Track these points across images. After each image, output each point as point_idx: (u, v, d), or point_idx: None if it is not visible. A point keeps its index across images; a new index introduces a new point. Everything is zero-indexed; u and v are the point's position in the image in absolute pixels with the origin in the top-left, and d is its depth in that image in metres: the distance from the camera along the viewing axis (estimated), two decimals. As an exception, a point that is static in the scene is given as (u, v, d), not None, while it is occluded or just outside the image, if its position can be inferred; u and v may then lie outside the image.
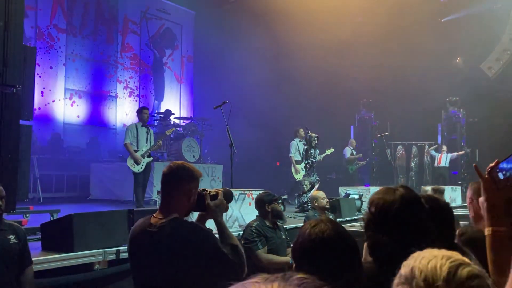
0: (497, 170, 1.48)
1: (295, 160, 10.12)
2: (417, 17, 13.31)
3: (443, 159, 13.32)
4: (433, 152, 13.73)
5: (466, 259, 0.97)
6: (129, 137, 8.26)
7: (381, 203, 1.75)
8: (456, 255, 0.97)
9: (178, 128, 11.69)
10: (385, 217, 1.70)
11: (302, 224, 6.15)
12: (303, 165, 10.01)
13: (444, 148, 13.50)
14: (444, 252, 0.98)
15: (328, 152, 10.16)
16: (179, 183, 2.26)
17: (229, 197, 2.44)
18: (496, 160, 1.50)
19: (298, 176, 9.97)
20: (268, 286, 0.59)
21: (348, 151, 12.60)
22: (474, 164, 1.66)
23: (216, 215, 2.32)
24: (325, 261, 1.48)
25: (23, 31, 5.25)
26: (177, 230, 2.18)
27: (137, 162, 8.14)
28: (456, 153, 13.53)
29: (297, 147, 10.23)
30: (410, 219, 1.69)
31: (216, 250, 2.18)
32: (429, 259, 0.97)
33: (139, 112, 8.65)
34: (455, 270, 0.93)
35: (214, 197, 2.31)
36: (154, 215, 2.27)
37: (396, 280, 0.99)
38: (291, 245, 4.94)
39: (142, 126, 8.45)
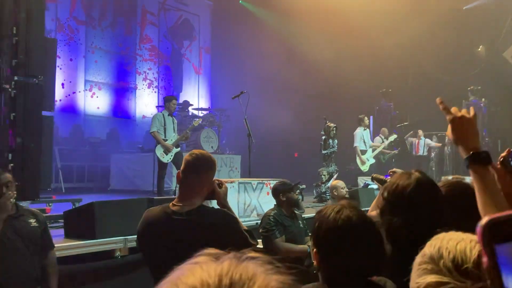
0: (510, 159, 1.46)
1: (360, 150, 9.76)
2: (438, 5, 13.06)
3: (421, 146, 12.51)
4: (409, 139, 12.76)
5: None
6: (156, 125, 8.03)
7: (395, 187, 1.74)
8: None
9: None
10: (400, 200, 1.70)
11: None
12: (369, 154, 9.67)
13: (421, 133, 12.49)
14: (470, 235, 0.94)
15: (391, 139, 9.97)
16: (203, 172, 2.33)
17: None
18: (508, 148, 1.48)
19: (364, 168, 9.58)
20: (219, 266, 0.56)
21: (378, 140, 12.38)
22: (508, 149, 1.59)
23: (225, 201, 2.42)
24: (353, 248, 1.47)
25: (44, 22, 5.32)
26: (208, 216, 2.25)
27: (166, 152, 7.94)
28: (434, 143, 12.51)
29: (362, 136, 9.88)
30: (424, 202, 1.68)
31: (242, 234, 2.29)
32: (457, 241, 0.94)
33: (167, 101, 8.36)
34: None
35: (219, 185, 2.42)
36: (173, 203, 2.29)
37: (419, 259, 0.97)
38: (309, 233, 4.93)
39: (168, 115, 8.20)
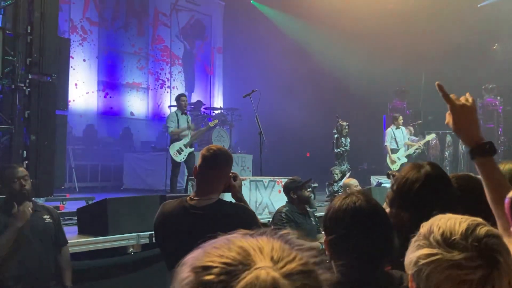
0: None
1: (391, 149, 9.57)
2: (452, 2, 12.91)
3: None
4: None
5: (486, 223, 0.98)
6: (171, 125, 8.07)
7: (404, 181, 1.72)
8: (477, 219, 0.97)
9: (209, 119, 11.77)
10: (408, 195, 1.67)
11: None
12: (401, 153, 9.43)
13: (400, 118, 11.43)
14: (464, 216, 0.99)
15: (429, 138, 9.80)
16: (222, 167, 2.35)
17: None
18: None
19: (394, 167, 9.38)
20: (259, 238, 0.60)
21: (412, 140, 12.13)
22: None
23: (240, 194, 2.45)
24: (357, 231, 1.46)
25: (58, 22, 5.38)
26: (226, 211, 2.26)
27: (180, 151, 7.94)
28: (414, 137, 11.60)
29: (393, 135, 9.67)
30: (432, 197, 1.64)
31: (260, 228, 2.25)
32: (448, 219, 0.99)
33: (177, 99, 8.41)
34: (473, 228, 0.94)
35: (234, 178, 2.44)
36: (190, 197, 2.30)
37: (414, 238, 1.02)
38: (322, 231, 4.90)
39: (182, 114, 8.20)
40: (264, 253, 0.56)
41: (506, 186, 1.30)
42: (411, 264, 0.98)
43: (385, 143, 9.68)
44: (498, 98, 13.22)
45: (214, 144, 9.68)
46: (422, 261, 0.95)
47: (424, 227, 1.00)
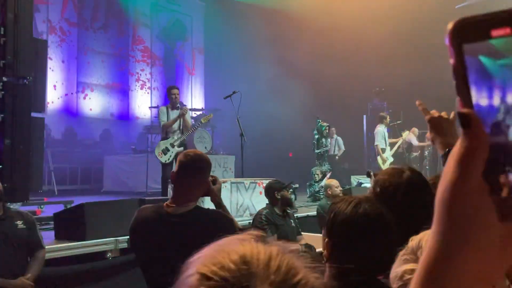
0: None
1: (381, 149, 9.54)
2: (430, 3, 13.09)
3: (332, 146, 11.64)
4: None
5: None
6: (163, 117, 7.21)
7: (387, 185, 1.73)
8: None
9: (205, 112, 11.57)
10: (390, 199, 1.67)
11: (315, 213, 6.18)
12: (388, 152, 9.42)
13: (334, 131, 11.64)
14: None
15: (404, 135, 9.84)
16: (198, 173, 2.28)
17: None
18: None
19: (385, 166, 9.19)
20: (268, 247, 0.57)
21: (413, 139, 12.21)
22: None
23: (219, 198, 2.40)
24: (367, 240, 1.44)
25: (33, 23, 5.29)
26: (203, 219, 2.21)
27: (165, 151, 7.11)
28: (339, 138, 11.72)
29: (383, 134, 9.66)
30: (415, 204, 1.66)
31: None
32: None
33: (167, 92, 7.48)
34: None
35: (214, 182, 2.39)
36: (167, 203, 2.25)
37: (402, 252, 0.99)
38: (301, 233, 4.88)
39: (172, 108, 7.30)
40: (269, 271, 0.53)
41: None
42: (397, 278, 0.96)
43: (376, 143, 9.66)
44: (476, 98, 13.42)
45: (196, 145, 9.39)
46: (408, 276, 0.93)
47: (413, 241, 0.98)
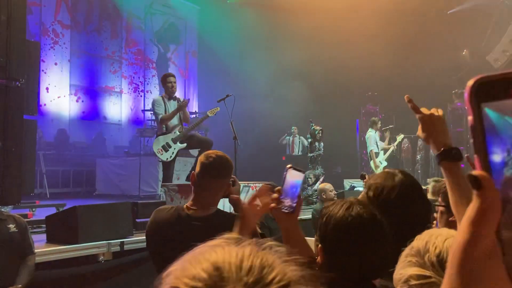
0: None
1: (375, 153, 9.48)
2: (422, 9, 13.20)
3: (296, 145, 11.62)
4: (286, 138, 11.77)
5: None
6: (160, 109, 6.34)
7: (380, 189, 1.73)
8: None
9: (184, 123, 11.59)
10: (385, 204, 1.66)
11: (310, 216, 6.18)
12: (381, 157, 9.42)
13: (296, 130, 11.56)
14: None
15: (399, 139, 9.86)
16: (221, 176, 2.19)
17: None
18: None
19: (378, 171, 9.31)
20: (240, 249, 0.56)
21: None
22: (466, 155, 1.62)
23: (238, 199, 2.32)
24: (361, 246, 1.41)
25: (26, 25, 5.26)
26: (224, 223, 2.07)
27: (166, 148, 6.30)
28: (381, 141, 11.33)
29: (375, 139, 9.61)
30: (408, 207, 1.66)
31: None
32: (446, 237, 0.95)
33: (163, 81, 6.61)
34: None
35: (233, 183, 2.33)
36: (187, 206, 2.18)
37: (406, 251, 0.99)
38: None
39: (169, 99, 6.45)
40: (241, 275, 0.53)
41: (468, 191, 1.31)
42: (401, 281, 0.94)
43: (370, 148, 9.63)
44: (468, 102, 13.52)
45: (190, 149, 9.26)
46: (414, 282, 0.91)
47: (419, 241, 0.96)
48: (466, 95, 0.49)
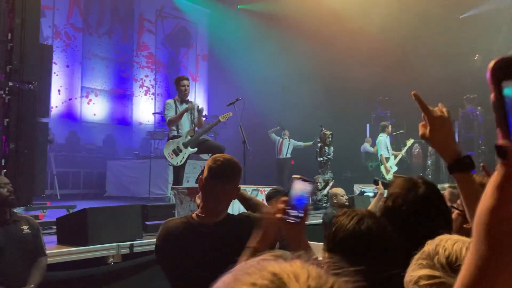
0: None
1: (385, 158, 9.43)
2: (435, 13, 13.14)
3: (285, 148, 11.42)
4: (273, 136, 11.55)
5: None
6: (170, 112, 6.34)
7: (401, 201, 1.68)
8: None
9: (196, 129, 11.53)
10: (402, 216, 1.63)
11: (320, 221, 6.16)
12: (392, 161, 9.38)
13: (287, 133, 11.45)
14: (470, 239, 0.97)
15: (409, 143, 9.84)
16: (230, 180, 2.12)
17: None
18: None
19: (389, 176, 9.20)
20: (291, 262, 0.56)
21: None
22: (482, 164, 1.58)
23: (245, 192, 2.40)
24: (369, 259, 1.37)
25: (40, 29, 5.33)
26: (236, 227, 2.09)
27: (177, 152, 6.20)
28: (303, 143, 11.24)
29: (386, 143, 9.57)
30: (427, 225, 1.60)
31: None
32: (455, 241, 0.97)
33: (176, 83, 6.53)
34: None
35: None
36: (196, 213, 2.13)
37: (417, 255, 1.00)
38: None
39: (181, 102, 6.43)
40: (301, 282, 0.52)
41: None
42: (411, 283, 0.95)
43: (380, 152, 9.58)
44: (479, 108, 13.45)
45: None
46: (423, 282, 0.93)
47: (430, 246, 0.98)
48: (488, 74, 0.53)
